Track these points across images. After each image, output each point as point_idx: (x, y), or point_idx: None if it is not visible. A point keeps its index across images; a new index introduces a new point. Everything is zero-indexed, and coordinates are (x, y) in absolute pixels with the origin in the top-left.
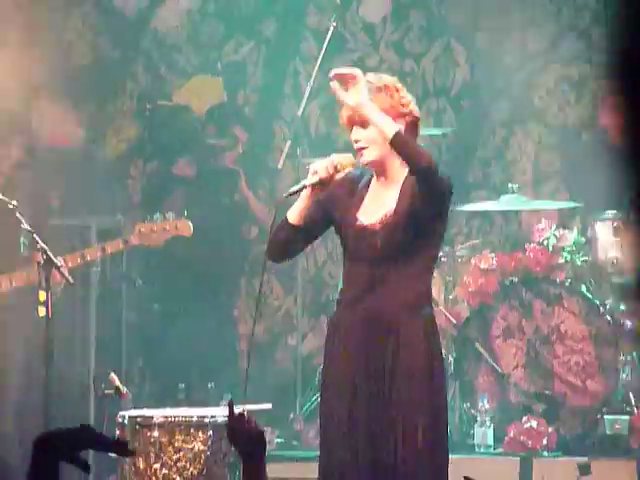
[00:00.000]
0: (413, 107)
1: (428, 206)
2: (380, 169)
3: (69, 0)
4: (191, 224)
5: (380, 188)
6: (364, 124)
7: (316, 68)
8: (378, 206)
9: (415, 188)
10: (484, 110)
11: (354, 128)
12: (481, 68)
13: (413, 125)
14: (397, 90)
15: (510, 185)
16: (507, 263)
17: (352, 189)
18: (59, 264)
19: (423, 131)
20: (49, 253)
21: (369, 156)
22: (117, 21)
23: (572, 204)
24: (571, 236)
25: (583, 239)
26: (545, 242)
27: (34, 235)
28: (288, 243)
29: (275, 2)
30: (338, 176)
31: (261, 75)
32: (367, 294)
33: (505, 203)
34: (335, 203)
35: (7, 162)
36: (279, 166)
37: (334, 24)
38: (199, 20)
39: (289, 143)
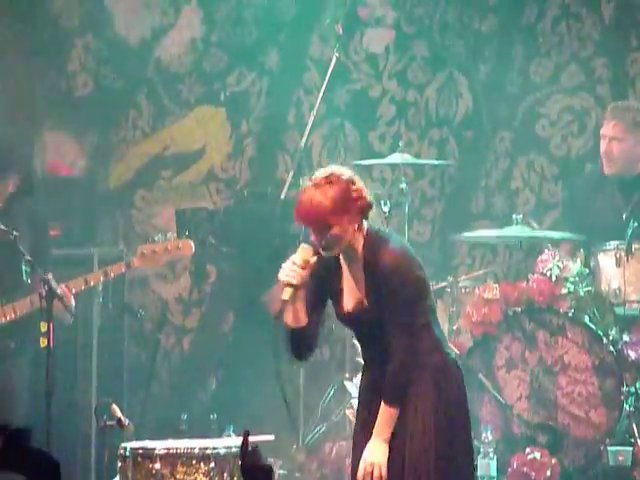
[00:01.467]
0: (366, 197)
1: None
2: (344, 251)
3: (72, 30)
4: (192, 243)
5: (350, 268)
6: (326, 229)
7: (319, 98)
8: (352, 292)
9: (378, 275)
10: (487, 140)
11: (314, 231)
12: (484, 98)
13: (366, 212)
14: (348, 183)
15: (513, 215)
16: (510, 293)
17: (330, 270)
18: (61, 294)
19: (427, 161)
20: (51, 283)
21: (334, 252)
22: (120, 51)
23: (575, 235)
24: (574, 266)
25: (586, 269)
26: (548, 272)
27: (35, 266)
28: (306, 343)
29: (278, 32)
30: (312, 261)
31: (264, 105)
32: (373, 364)
33: (508, 233)
34: (324, 288)
35: (8, 191)
36: (282, 196)
37: (337, 54)
38: (202, 50)
39: (292, 173)
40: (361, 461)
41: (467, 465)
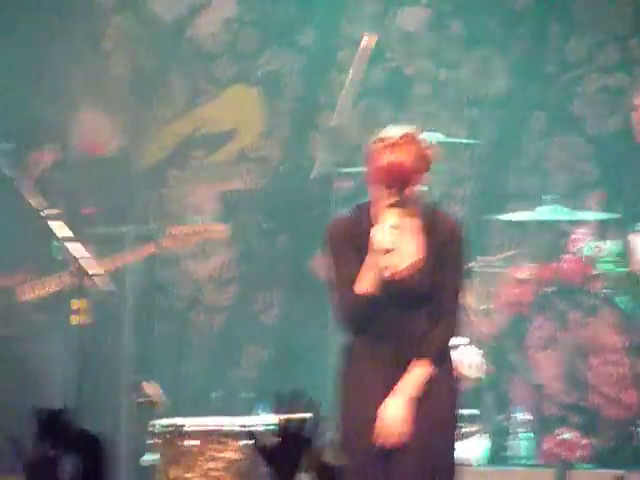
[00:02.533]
0: (432, 151)
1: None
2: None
3: (107, 9)
4: (225, 226)
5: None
6: (409, 184)
7: (350, 77)
8: (400, 253)
9: (438, 238)
10: (521, 120)
11: (394, 188)
12: (519, 77)
13: (429, 165)
14: (421, 141)
15: (546, 196)
16: (543, 274)
17: (361, 238)
18: (91, 272)
19: (460, 140)
20: (81, 261)
21: (406, 212)
22: (155, 30)
23: (608, 215)
24: (607, 247)
25: (619, 250)
26: (581, 253)
27: (66, 243)
28: (367, 313)
29: (312, 12)
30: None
31: (297, 85)
32: (391, 334)
33: (541, 213)
34: (362, 257)
35: (44, 161)
36: (313, 176)
37: (372, 33)
38: (236, 29)
39: (324, 153)
40: (381, 419)
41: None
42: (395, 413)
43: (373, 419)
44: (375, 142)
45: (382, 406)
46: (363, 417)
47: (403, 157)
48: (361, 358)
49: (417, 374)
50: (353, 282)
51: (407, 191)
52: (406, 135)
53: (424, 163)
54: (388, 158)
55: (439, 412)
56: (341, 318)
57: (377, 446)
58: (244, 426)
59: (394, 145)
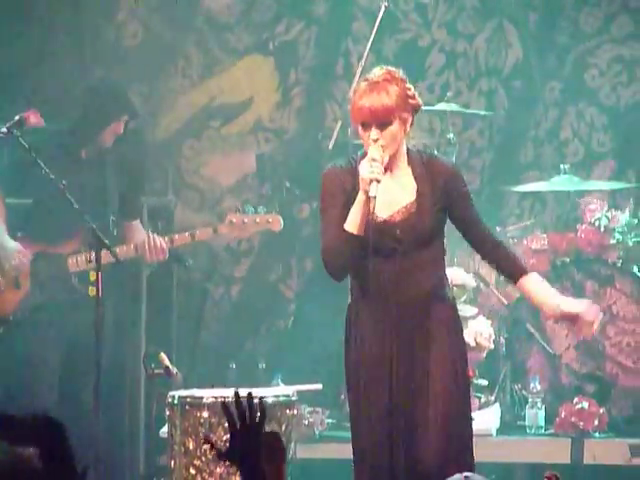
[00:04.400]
0: (417, 97)
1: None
2: (390, 162)
3: None
4: (281, 219)
5: (389, 180)
6: (387, 124)
7: (368, 48)
8: (393, 198)
9: (436, 181)
10: (536, 90)
11: (373, 127)
12: (533, 48)
13: (417, 111)
14: (403, 81)
15: (562, 166)
16: (559, 244)
17: (354, 183)
18: (108, 244)
19: (476, 110)
20: (98, 232)
21: (389, 152)
22: (170, 0)
23: (624, 185)
24: (623, 217)
25: (635, 220)
26: (597, 223)
27: (83, 215)
28: (354, 258)
29: None
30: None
31: (312, 55)
32: (394, 285)
33: (557, 184)
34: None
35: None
36: (330, 147)
37: (386, 4)
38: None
39: (340, 123)
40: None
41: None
42: (579, 304)
43: (379, 378)
44: (359, 82)
45: (564, 307)
46: (370, 376)
47: (382, 95)
48: (364, 318)
49: (541, 284)
50: (342, 224)
51: (390, 131)
52: (387, 74)
53: (405, 103)
54: (367, 95)
55: (448, 360)
56: (327, 259)
57: (387, 402)
58: (262, 398)
59: (375, 84)
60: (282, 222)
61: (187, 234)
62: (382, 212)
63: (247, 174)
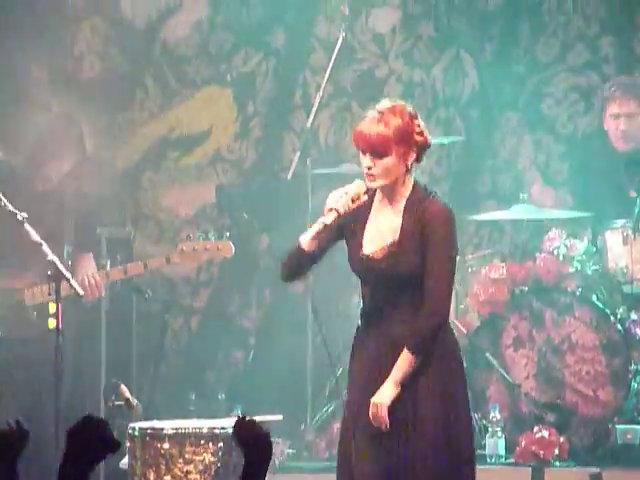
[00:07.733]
0: (426, 135)
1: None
2: (385, 192)
3: (78, 12)
4: (232, 245)
5: (383, 212)
6: (381, 155)
7: (326, 78)
8: (381, 233)
9: (420, 222)
10: (493, 119)
11: (368, 155)
12: (490, 77)
13: (422, 150)
14: (412, 117)
15: (520, 195)
16: (517, 272)
17: (357, 212)
18: (68, 276)
19: (433, 140)
20: (58, 265)
21: (380, 183)
22: (126, 32)
23: (582, 213)
24: (581, 245)
25: (593, 248)
26: (555, 251)
27: (43, 247)
28: (300, 268)
29: (284, 13)
30: (362, 198)
31: (270, 86)
32: (378, 317)
33: (515, 212)
34: (345, 230)
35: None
36: (289, 177)
37: (343, 34)
38: (208, 31)
39: (298, 154)
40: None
41: (470, 434)
42: (377, 399)
43: (362, 403)
44: (367, 111)
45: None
46: (355, 402)
47: (380, 125)
48: (357, 346)
49: (402, 362)
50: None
51: (384, 162)
52: (394, 107)
53: (408, 138)
54: (367, 122)
55: (429, 396)
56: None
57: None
58: (222, 429)
59: (379, 113)
60: (233, 248)
61: (140, 263)
62: (368, 246)
63: (206, 205)
